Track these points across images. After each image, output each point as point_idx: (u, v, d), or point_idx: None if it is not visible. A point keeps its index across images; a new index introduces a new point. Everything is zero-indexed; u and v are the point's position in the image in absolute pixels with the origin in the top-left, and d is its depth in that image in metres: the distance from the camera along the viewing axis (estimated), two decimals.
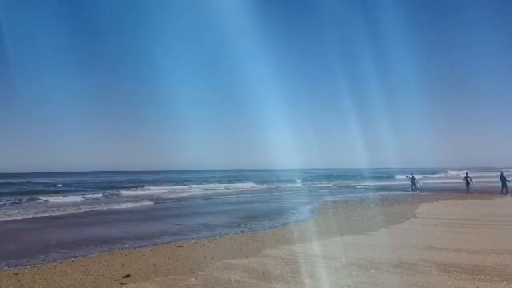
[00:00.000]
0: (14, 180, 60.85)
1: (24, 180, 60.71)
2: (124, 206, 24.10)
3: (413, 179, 32.96)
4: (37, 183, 54.47)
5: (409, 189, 32.49)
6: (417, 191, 31.73)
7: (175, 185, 49.27)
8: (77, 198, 29.66)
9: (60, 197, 31.22)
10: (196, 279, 7.44)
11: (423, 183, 36.81)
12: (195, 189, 42.35)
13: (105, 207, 23.26)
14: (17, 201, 27.51)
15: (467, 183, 29.87)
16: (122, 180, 62.43)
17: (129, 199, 28.85)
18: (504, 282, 6.75)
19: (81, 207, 23.12)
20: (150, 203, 26.21)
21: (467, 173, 31.26)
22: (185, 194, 35.40)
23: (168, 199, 30.05)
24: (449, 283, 6.77)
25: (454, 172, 77.23)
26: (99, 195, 33.14)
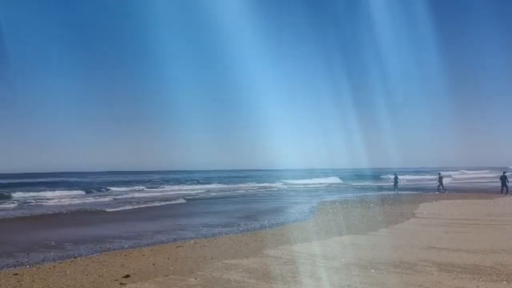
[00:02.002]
0: (17, 181, 60.68)
1: (30, 181, 60.40)
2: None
3: (396, 178, 33.80)
4: (55, 183, 54.25)
5: (395, 189, 33.04)
6: (397, 190, 32.42)
7: (204, 184, 49.53)
8: (107, 198, 29.93)
9: (97, 196, 31.55)
10: (195, 279, 7.43)
11: (403, 183, 37.78)
12: (229, 189, 42.64)
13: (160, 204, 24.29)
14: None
15: (440, 184, 31.02)
16: (135, 180, 62.05)
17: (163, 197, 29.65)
18: (504, 282, 6.75)
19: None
20: (182, 201, 26.36)
21: (439, 173, 32.75)
22: (222, 193, 35.93)
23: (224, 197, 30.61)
24: (449, 283, 6.76)
25: (472, 171, 77.69)
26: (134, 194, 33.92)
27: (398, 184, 33.56)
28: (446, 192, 29.52)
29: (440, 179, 31.36)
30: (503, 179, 28.08)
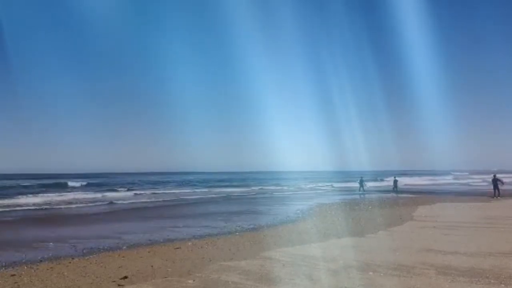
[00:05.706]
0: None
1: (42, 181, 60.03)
2: None
3: (361, 181, 36.44)
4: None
5: (366, 192, 35.28)
6: (362, 192, 34.71)
7: (242, 187, 48.78)
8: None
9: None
10: (193, 281, 7.43)
11: (368, 186, 40.96)
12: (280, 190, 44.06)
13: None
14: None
15: (395, 186, 34.62)
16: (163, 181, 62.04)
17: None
18: (502, 285, 6.77)
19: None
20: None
21: (394, 177, 35.85)
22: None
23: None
24: (447, 286, 6.77)
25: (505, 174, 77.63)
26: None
27: (363, 186, 36.32)
28: (392, 194, 31.76)
29: (395, 182, 34.67)
30: (494, 181, 28.24)
